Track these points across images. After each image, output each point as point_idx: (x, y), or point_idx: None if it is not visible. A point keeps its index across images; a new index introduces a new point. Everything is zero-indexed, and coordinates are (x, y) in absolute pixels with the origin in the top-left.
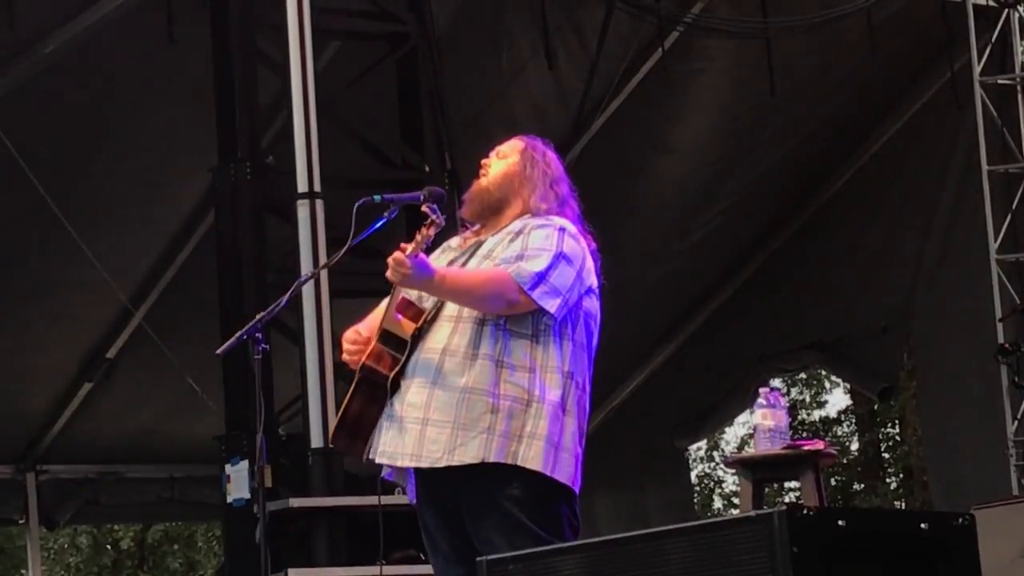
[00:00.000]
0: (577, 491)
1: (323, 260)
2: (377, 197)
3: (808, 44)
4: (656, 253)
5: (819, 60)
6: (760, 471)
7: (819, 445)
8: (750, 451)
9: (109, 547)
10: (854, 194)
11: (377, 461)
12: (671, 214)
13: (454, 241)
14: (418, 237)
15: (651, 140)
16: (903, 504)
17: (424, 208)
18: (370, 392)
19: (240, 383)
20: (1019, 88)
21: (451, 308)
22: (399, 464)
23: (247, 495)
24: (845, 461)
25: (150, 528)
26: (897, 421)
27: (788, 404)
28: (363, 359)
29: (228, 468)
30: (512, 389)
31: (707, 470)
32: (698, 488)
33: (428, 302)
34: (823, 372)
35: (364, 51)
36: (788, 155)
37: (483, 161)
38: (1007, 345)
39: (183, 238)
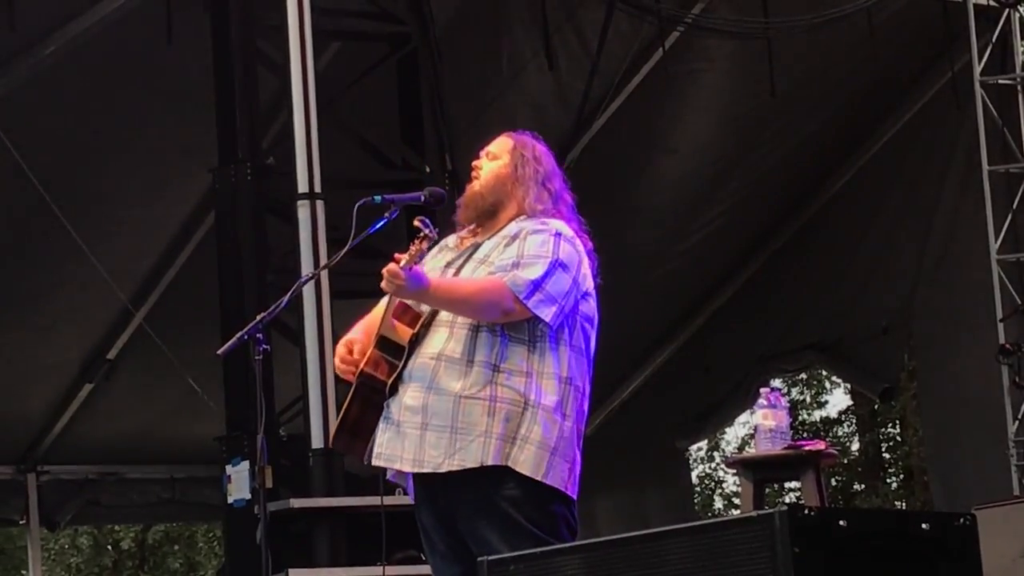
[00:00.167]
0: (573, 496)
1: (323, 261)
2: (377, 198)
3: (808, 44)
4: (657, 253)
5: (819, 60)
6: (761, 471)
7: (820, 445)
8: (751, 451)
9: (110, 548)
10: (854, 194)
11: (374, 464)
12: (672, 214)
13: (451, 240)
14: (412, 250)
15: (651, 140)
16: (904, 505)
17: (416, 222)
18: (368, 396)
19: (241, 384)
20: (1020, 88)
21: (447, 313)
22: (397, 467)
23: (248, 496)
24: (846, 461)
25: (151, 529)
26: (898, 421)
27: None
28: (361, 366)
29: (229, 469)
30: (508, 393)
31: (708, 470)
32: (699, 488)
33: (425, 306)
34: (824, 372)
35: (364, 52)
36: (789, 155)
37: (474, 163)
38: (1008, 345)
39: (184, 239)
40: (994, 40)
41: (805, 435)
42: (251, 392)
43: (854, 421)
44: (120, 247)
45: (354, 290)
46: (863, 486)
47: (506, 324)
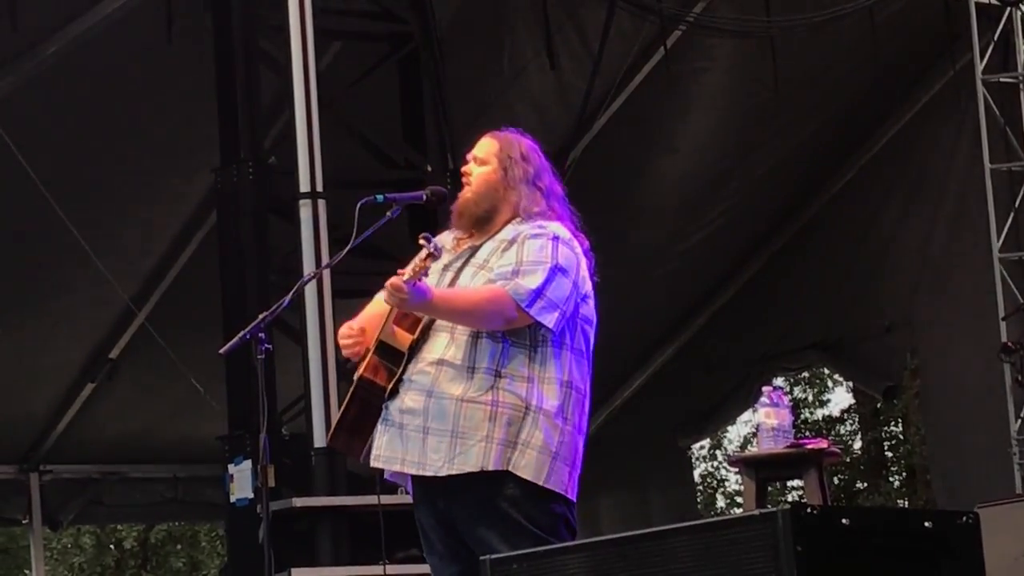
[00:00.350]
0: (573, 498)
1: (325, 260)
2: (379, 197)
3: (810, 43)
4: (659, 252)
5: (821, 59)
6: (763, 470)
7: (822, 444)
8: (753, 450)
9: (112, 547)
10: (857, 193)
11: (372, 465)
12: (673, 213)
13: (447, 240)
14: (416, 265)
15: (653, 140)
16: (906, 503)
17: (421, 240)
18: (367, 399)
19: (243, 383)
20: (1022, 86)
21: None
22: (396, 469)
23: (250, 495)
24: (848, 460)
25: (153, 528)
26: (900, 420)
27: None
28: (361, 371)
29: (231, 468)
30: (509, 397)
31: (710, 469)
32: (701, 487)
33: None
34: (826, 371)
35: (366, 51)
36: (790, 154)
37: (463, 169)
38: (1010, 344)
39: (186, 238)
40: (996, 39)
41: (807, 434)
42: (253, 391)
43: (856, 420)
44: (122, 246)
45: (356, 289)
46: (865, 485)
47: (507, 331)
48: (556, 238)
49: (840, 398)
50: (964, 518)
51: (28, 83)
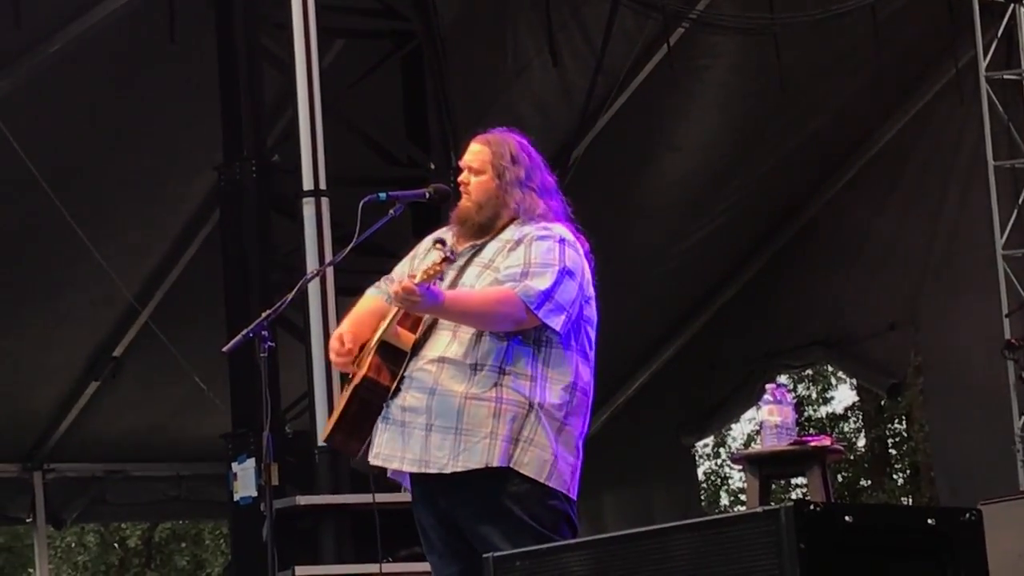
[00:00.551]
0: (574, 497)
1: (328, 258)
2: (382, 195)
3: (813, 41)
4: (662, 250)
5: (824, 57)
6: (767, 467)
7: (825, 441)
8: (757, 447)
9: (116, 545)
10: (860, 190)
11: (372, 463)
12: (677, 211)
13: (447, 238)
14: (431, 270)
15: (656, 138)
16: (910, 500)
17: (436, 247)
18: (368, 398)
19: (246, 381)
20: None
21: None
22: (395, 467)
23: (254, 493)
24: (852, 457)
25: (157, 526)
26: (904, 417)
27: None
28: (364, 372)
29: (235, 466)
30: (513, 395)
31: (714, 467)
32: (705, 485)
33: None
34: (830, 368)
35: (369, 49)
36: (793, 152)
37: (460, 179)
38: (1013, 340)
39: (189, 236)
40: (999, 35)
41: (811, 431)
42: (257, 389)
43: (860, 417)
44: (125, 245)
45: (359, 287)
46: (869, 482)
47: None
48: (563, 240)
49: (844, 395)
50: (967, 515)
51: (31, 81)
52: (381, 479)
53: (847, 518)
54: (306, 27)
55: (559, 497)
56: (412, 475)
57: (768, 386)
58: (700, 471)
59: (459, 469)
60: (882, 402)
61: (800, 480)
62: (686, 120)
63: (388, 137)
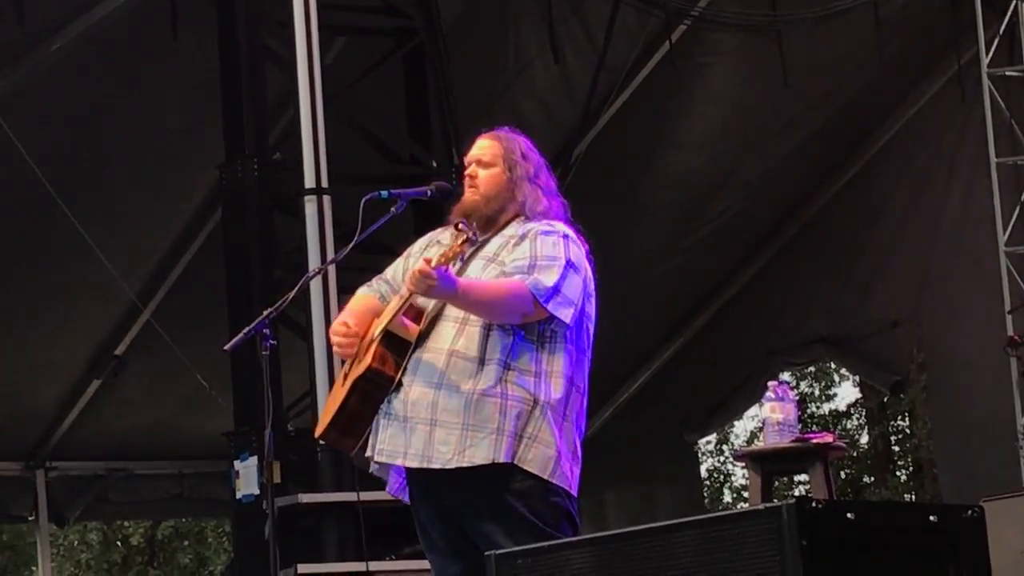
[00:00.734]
0: (575, 494)
1: (330, 255)
2: (384, 192)
3: (815, 37)
4: (664, 248)
5: (826, 53)
6: (769, 464)
7: (828, 438)
8: (759, 444)
9: (119, 544)
10: (862, 187)
11: (375, 459)
12: (679, 209)
13: (444, 236)
14: (453, 250)
15: (658, 135)
16: (913, 497)
17: (459, 225)
18: (369, 391)
19: (248, 379)
20: None
21: (457, 309)
22: (399, 463)
23: (256, 491)
24: (855, 454)
25: (160, 524)
26: (907, 414)
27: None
28: (370, 363)
29: (237, 464)
30: (518, 391)
31: (717, 464)
32: (708, 482)
33: (426, 301)
34: (832, 365)
35: (371, 47)
36: (796, 149)
37: (467, 172)
38: (1016, 337)
39: (191, 235)
40: (1001, 32)
41: (814, 428)
42: (259, 387)
43: (863, 414)
44: (127, 243)
45: (361, 285)
46: (872, 479)
47: (513, 325)
48: (566, 236)
49: (847, 392)
50: (969, 512)
51: (33, 79)
52: (357, 476)
53: (849, 515)
54: (308, 25)
55: (561, 494)
56: (412, 472)
57: (770, 383)
58: (703, 468)
59: (464, 464)
60: (885, 399)
61: (803, 477)
62: (688, 117)
63: (390, 135)
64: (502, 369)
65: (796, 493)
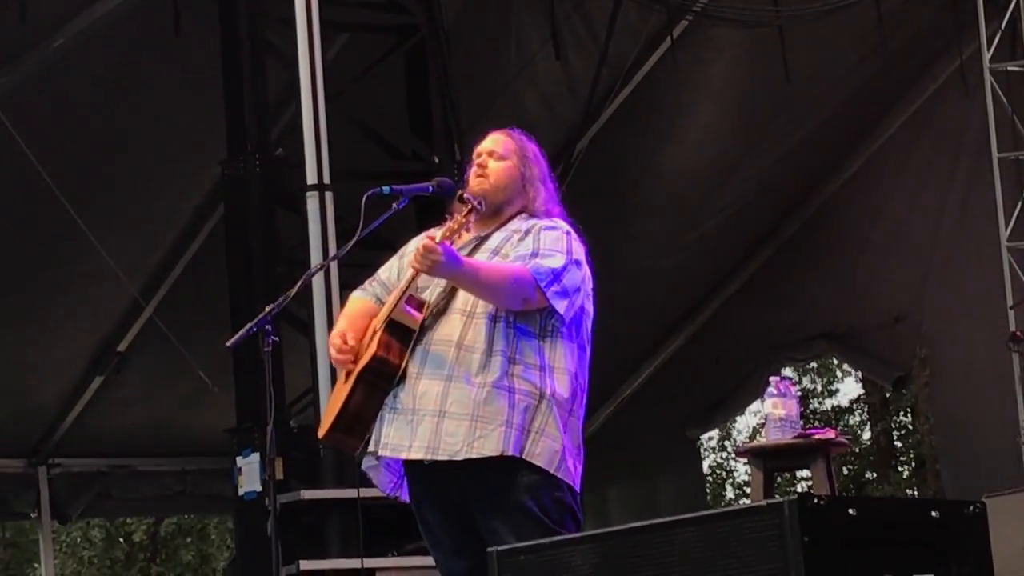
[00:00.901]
0: (578, 489)
1: (332, 252)
2: (386, 188)
3: (817, 33)
4: (666, 244)
5: (828, 49)
6: (771, 460)
7: (830, 434)
8: (761, 440)
9: (122, 540)
10: (864, 183)
11: (380, 453)
12: (681, 204)
13: (437, 232)
14: (457, 223)
15: (660, 130)
16: (915, 493)
17: (465, 195)
18: (375, 383)
19: (251, 375)
20: None
21: (462, 302)
22: (404, 456)
23: (258, 487)
24: (857, 450)
25: (163, 521)
26: (909, 410)
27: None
28: (375, 352)
29: (239, 460)
30: (525, 384)
31: (719, 460)
32: (710, 478)
33: (427, 293)
34: (835, 361)
35: (372, 43)
36: (797, 144)
37: (479, 161)
38: (1018, 333)
39: (193, 231)
40: (1003, 27)
41: (816, 424)
42: (261, 384)
43: (865, 410)
44: (129, 240)
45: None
46: (875, 475)
47: (519, 318)
48: (569, 233)
49: (849, 388)
50: (971, 508)
51: (35, 75)
52: (358, 472)
53: (851, 511)
54: (309, 21)
55: (565, 489)
56: (417, 467)
57: (772, 379)
58: (705, 464)
59: (473, 456)
60: (887, 395)
61: (805, 473)
62: (690, 113)
63: (392, 131)
64: (508, 363)
65: (798, 489)
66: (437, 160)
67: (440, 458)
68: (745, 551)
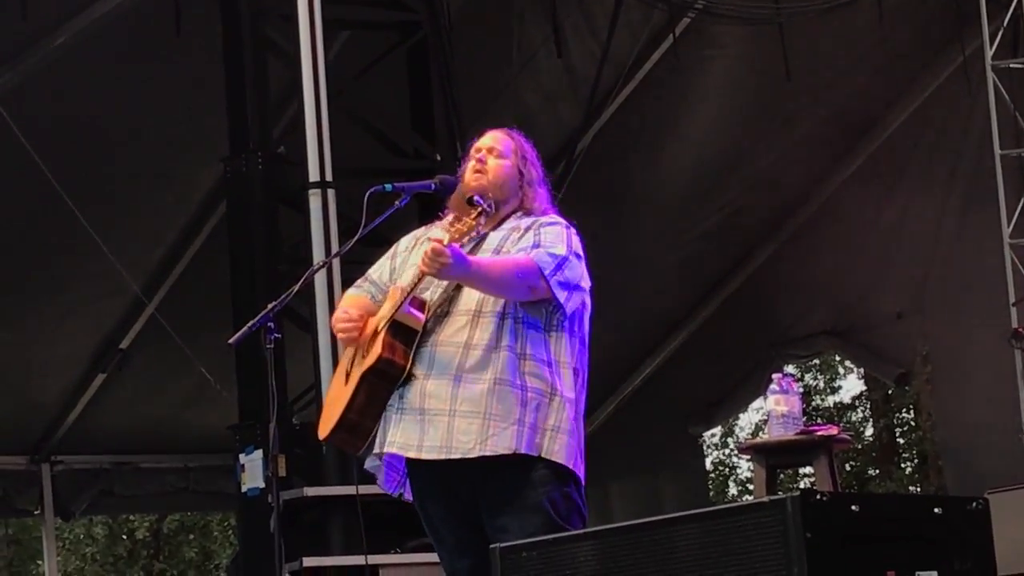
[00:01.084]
0: (583, 482)
1: (335, 249)
2: (388, 186)
3: (819, 30)
4: (668, 240)
5: (830, 46)
6: (774, 457)
7: (832, 431)
8: (764, 437)
9: (125, 537)
10: (866, 180)
11: (386, 451)
12: (683, 201)
13: (433, 232)
14: (467, 225)
15: (662, 128)
16: (918, 489)
17: (476, 198)
18: (379, 384)
19: (253, 372)
20: None
21: (468, 303)
22: (412, 455)
23: (261, 484)
24: (860, 446)
25: (166, 518)
26: (912, 406)
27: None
28: (380, 353)
29: (242, 457)
30: (536, 382)
31: (722, 456)
32: (713, 475)
33: (427, 293)
34: (837, 357)
35: (374, 40)
36: (800, 141)
37: (478, 157)
38: (1020, 329)
39: (195, 228)
40: (1005, 24)
41: (819, 420)
42: (264, 381)
43: (868, 406)
44: (132, 237)
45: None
46: (877, 471)
47: (527, 313)
48: (569, 227)
49: (851, 385)
50: (974, 504)
51: (37, 73)
52: (357, 470)
53: (853, 507)
54: (311, 18)
55: (573, 486)
56: (425, 466)
57: (775, 376)
58: (708, 461)
59: (487, 453)
60: (890, 391)
61: (807, 470)
62: (692, 110)
63: (394, 128)
64: (517, 359)
65: (801, 486)
66: (439, 158)
67: (453, 456)
68: (748, 548)
